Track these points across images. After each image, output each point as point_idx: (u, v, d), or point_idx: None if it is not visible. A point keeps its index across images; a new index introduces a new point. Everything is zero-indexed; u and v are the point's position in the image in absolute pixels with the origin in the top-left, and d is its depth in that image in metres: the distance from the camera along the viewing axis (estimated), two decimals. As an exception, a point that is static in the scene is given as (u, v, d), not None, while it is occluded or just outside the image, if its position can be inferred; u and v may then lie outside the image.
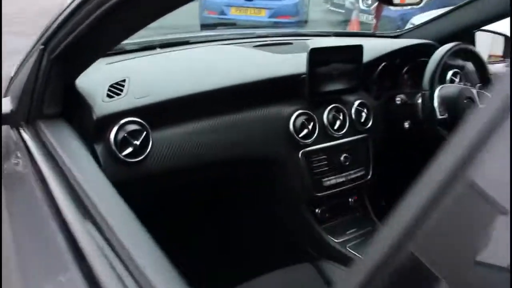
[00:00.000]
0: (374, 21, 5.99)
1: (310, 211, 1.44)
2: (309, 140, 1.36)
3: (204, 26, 6.24)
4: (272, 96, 1.34)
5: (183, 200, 1.41)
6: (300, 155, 1.36)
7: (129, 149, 1.04)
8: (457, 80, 1.70)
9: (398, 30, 1.96)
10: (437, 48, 1.63)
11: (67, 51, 0.93)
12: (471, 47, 1.46)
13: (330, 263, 1.27)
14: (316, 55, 1.30)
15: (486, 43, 2.05)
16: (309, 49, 1.28)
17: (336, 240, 1.42)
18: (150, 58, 1.35)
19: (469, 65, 1.73)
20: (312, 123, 1.36)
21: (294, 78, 1.35)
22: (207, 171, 1.25)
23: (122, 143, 1.03)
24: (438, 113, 1.38)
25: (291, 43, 1.64)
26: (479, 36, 1.86)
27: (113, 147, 1.02)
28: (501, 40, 1.99)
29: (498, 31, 1.88)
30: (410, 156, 2.03)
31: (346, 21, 7.32)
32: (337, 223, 1.50)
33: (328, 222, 1.48)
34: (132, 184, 1.07)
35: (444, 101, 1.40)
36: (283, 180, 1.39)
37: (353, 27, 6.59)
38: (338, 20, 8.32)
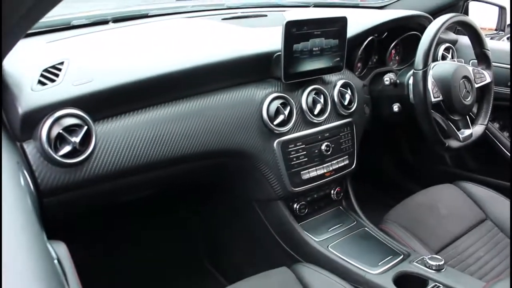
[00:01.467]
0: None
1: (287, 207, 1.28)
2: (285, 128, 1.19)
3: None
4: (242, 78, 1.16)
5: (134, 207, 1.24)
6: (275, 145, 1.19)
7: (67, 148, 0.85)
8: (449, 56, 1.54)
9: (382, 0, 1.78)
10: (429, 20, 1.47)
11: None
12: (468, 19, 1.29)
13: (310, 266, 1.13)
14: (293, 29, 1.12)
15: (476, 14, 1.89)
16: (285, 22, 1.10)
17: (316, 239, 1.27)
18: (99, 35, 1.15)
19: (462, 39, 1.57)
20: (288, 108, 1.18)
21: (267, 57, 1.17)
22: (167, 170, 1.06)
23: (58, 141, 0.85)
24: (432, 95, 1.22)
25: (265, 15, 1.45)
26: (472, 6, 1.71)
27: (46, 146, 0.83)
28: (495, 11, 1.83)
29: (493, 1, 1.71)
30: (398, 141, 1.90)
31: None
32: (318, 219, 1.35)
33: (308, 218, 1.33)
34: (71, 190, 0.89)
35: (438, 81, 1.24)
36: (257, 175, 1.22)
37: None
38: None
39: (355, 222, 1.35)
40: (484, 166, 1.63)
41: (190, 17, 1.36)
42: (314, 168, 1.26)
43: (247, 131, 1.15)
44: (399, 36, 1.48)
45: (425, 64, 1.18)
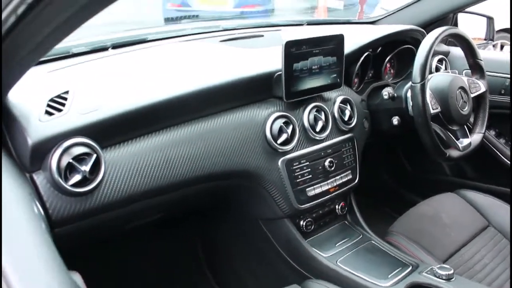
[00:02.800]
0: (341, 5, 5.86)
1: (293, 225, 1.28)
2: (289, 146, 1.20)
3: (168, 20, 5.96)
4: (244, 99, 1.17)
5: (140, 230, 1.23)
6: (279, 164, 1.20)
7: (77, 177, 0.85)
8: (442, 67, 1.57)
9: (374, 16, 1.82)
10: (422, 33, 1.50)
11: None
12: (461, 31, 1.32)
13: (321, 282, 1.13)
14: (292, 49, 1.13)
15: (466, 25, 1.93)
16: (284, 42, 1.12)
17: (324, 255, 1.27)
18: (100, 62, 1.16)
19: (454, 50, 1.61)
20: (291, 127, 1.20)
21: (268, 77, 1.19)
22: (175, 194, 1.07)
23: (68, 171, 0.85)
24: (430, 107, 1.24)
25: (261, 36, 1.47)
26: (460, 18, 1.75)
27: (56, 176, 0.83)
28: (484, 22, 1.87)
29: (481, 12, 1.75)
30: (397, 154, 1.92)
31: (313, 8, 7.15)
32: (324, 234, 1.35)
33: (315, 234, 1.34)
34: (83, 219, 0.89)
35: (435, 93, 1.27)
36: (263, 194, 1.23)
37: (319, 14, 6.43)
38: (305, 7, 8.14)
39: (361, 236, 1.36)
40: (483, 174, 1.66)
41: (188, 40, 1.37)
42: (319, 185, 1.27)
43: (251, 151, 1.16)
44: (393, 50, 1.51)
45: (423, 77, 1.21)
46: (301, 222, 1.30)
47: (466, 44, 1.35)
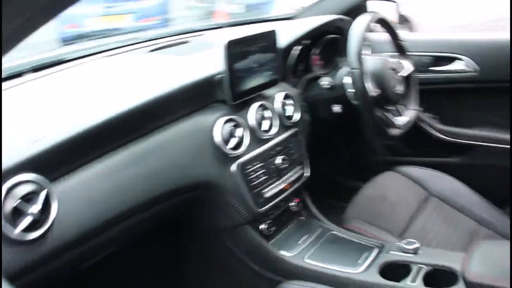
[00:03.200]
0: (243, 8, 5.92)
1: (255, 230, 1.24)
2: (240, 150, 1.16)
3: (66, 42, 5.61)
4: (186, 108, 1.11)
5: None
6: (233, 169, 1.15)
7: (26, 221, 0.74)
8: (368, 52, 1.62)
9: (291, 12, 1.84)
10: (347, 21, 1.54)
11: None
12: (384, 16, 1.38)
13: (294, 282, 1.10)
14: (233, 49, 1.10)
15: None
16: (227, 42, 1.07)
17: (291, 255, 1.25)
18: (20, 89, 1.04)
19: (376, 35, 1.67)
20: (239, 129, 1.16)
21: (209, 81, 1.14)
22: (134, 218, 0.98)
23: (14, 216, 0.73)
24: (370, 91, 1.27)
25: (187, 42, 1.41)
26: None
27: (3, 224, 0.71)
28: (392, 6, 1.97)
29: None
30: (334, 143, 1.95)
31: (211, 13, 7.14)
32: (284, 234, 1.33)
33: (276, 236, 1.30)
34: (38, 267, 0.77)
35: (372, 76, 1.30)
36: (221, 203, 1.17)
37: (220, 20, 6.45)
38: (204, 13, 8.11)
39: (321, 229, 1.36)
40: (415, 148, 1.74)
41: (112, 55, 1.28)
42: (275, 184, 1.25)
43: (203, 161, 1.11)
44: (320, 41, 1.53)
45: (360, 62, 1.23)
46: (262, 226, 1.26)
47: (390, 28, 1.40)
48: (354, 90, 1.26)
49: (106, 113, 0.91)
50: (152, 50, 1.29)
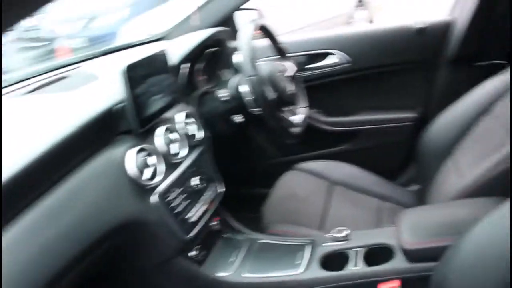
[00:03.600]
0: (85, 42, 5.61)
1: (187, 259, 1.17)
2: (157, 179, 1.08)
3: None
4: (90, 146, 1.00)
5: None
6: (154, 200, 1.07)
7: None
8: None
9: (160, 33, 1.79)
10: (227, 33, 1.55)
11: None
12: (265, 22, 1.42)
13: None
14: (131, 73, 1.02)
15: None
16: (125, 67, 0.99)
17: (228, 274, 1.20)
18: None
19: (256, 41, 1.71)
20: (153, 157, 1.08)
21: (109, 112, 1.04)
22: (64, 278, 0.85)
23: None
24: (269, 95, 1.29)
25: (66, 77, 1.29)
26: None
27: None
28: (255, 15, 2.04)
29: (248, 6, 1.90)
30: (252, 149, 1.95)
31: (52, 52, 6.64)
32: (214, 256, 1.28)
33: (207, 260, 1.25)
34: None
35: (268, 80, 1.32)
36: (148, 238, 1.08)
37: (63, 57, 6.03)
38: (43, 53, 7.50)
39: (248, 241, 1.33)
40: (308, 144, 1.82)
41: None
42: (197, 207, 1.20)
43: (121, 198, 1.01)
44: (201, 56, 1.51)
45: (255, 69, 1.24)
46: (192, 253, 1.19)
47: (270, 33, 1.45)
48: (254, 97, 1.27)
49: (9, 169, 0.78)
50: (30, 91, 1.14)
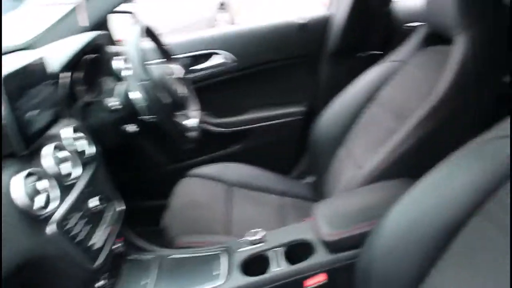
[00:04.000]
0: None
1: None
2: (53, 206, 0.93)
3: None
4: None
5: None
6: (51, 231, 0.92)
7: None
8: (128, 65, 1.55)
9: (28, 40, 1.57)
10: (106, 37, 1.42)
11: None
12: (149, 25, 1.33)
13: None
14: (9, 86, 0.86)
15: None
16: (2, 78, 0.83)
17: None
18: None
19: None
20: (43, 181, 0.93)
21: None
22: None
23: None
24: (164, 99, 1.21)
25: None
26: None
27: None
28: (131, 18, 1.91)
29: (123, 9, 1.77)
30: (144, 159, 1.80)
31: None
32: (124, 282, 1.16)
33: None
34: None
35: (160, 84, 1.24)
36: (52, 277, 0.93)
37: None
38: None
39: (157, 259, 1.23)
40: (200, 148, 1.76)
41: None
42: (100, 230, 1.07)
43: (12, 235, 0.84)
44: (79, 64, 1.36)
45: (147, 73, 1.15)
46: (99, 283, 1.06)
47: (154, 36, 1.37)
48: (147, 103, 1.18)
49: None
50: None
